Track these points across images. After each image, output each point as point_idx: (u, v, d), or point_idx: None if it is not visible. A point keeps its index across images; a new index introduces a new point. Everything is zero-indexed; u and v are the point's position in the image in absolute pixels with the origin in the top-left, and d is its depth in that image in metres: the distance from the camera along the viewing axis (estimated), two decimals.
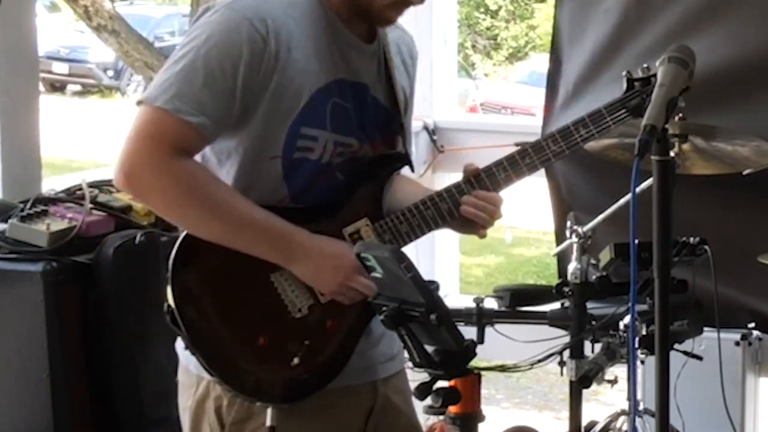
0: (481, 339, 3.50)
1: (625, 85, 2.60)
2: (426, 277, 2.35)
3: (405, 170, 2.73)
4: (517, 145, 2.96)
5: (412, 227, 2.56)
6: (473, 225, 2.64)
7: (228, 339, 2.51)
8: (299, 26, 2.49)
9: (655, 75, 2.45)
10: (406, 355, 2.55)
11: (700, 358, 3.57)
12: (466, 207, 2.58)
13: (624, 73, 2.60)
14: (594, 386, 3.34)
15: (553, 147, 2.61)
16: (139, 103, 2.46)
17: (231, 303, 2.52)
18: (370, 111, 2.59)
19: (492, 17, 21.23)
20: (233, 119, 2.45)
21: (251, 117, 2.46)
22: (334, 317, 2.54)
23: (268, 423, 2.53)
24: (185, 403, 2.67)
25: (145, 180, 2.45)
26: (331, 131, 2.52)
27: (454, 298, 4.96)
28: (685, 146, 3.26)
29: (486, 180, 2.60)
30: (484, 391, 3.54)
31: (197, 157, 2.51)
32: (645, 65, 2.59)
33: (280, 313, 2.51)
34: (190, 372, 2.64)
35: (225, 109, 2.43)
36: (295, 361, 2.50)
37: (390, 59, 2.62)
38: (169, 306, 2.50)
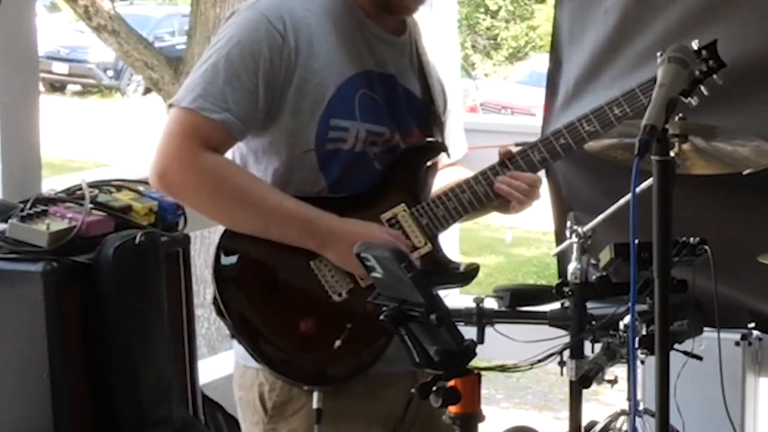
0: (481, 339, 3.50)
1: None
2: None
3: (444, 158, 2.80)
4: (517, 145, 2.96)
5: (449, 211, 2.63)
6: (508, 204, 2.71)
7: (271, 325, 2.59)
8: (320, 20, 2.56)
9: (692, 51, 2.59)
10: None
11: (700, 358, 3.56)
12: (499, 185, 2.64)
13: (658, 52, 2.51)
14: (594, 386, 3.33)
15: (587, 127, 2.66)
16: (170, 106, 2.55)
17: (273, 290, 2.60)
18: (400, 101, 2.64)
19: (492, 17, 21.25)
20: (260, 115, 2.53)
21: (280, 112, 2.54)
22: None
23: (315, 405, 2.59)
24: (236, 394, 2.77)
25: (176, 178, 2.55)
26: (361, 121, 2.58)
27: (454, 298, 4.96)
28: (685, 146, 3.26)
29: (521, 161, 2.67)
30: (484, 391, 3.52)
31: (236, 158, 2.62)
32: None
33: (320, 297, 2.58)
34: (238, 363, 2.74)
35: (249, 105, 2.51)
36: (338, 344, 2.57)
37: (423, 51, 2.66)
38: (214, 296, 2.58)
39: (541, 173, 4.51)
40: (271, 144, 2.59)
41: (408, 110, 2.65)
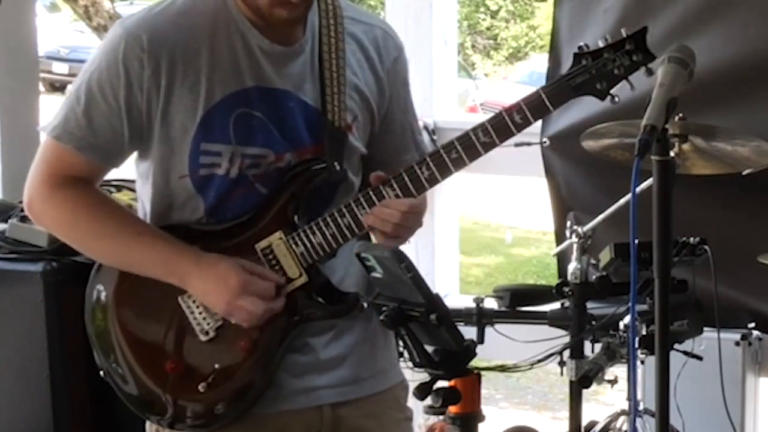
0: (481, 339, 3.50)
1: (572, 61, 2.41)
2: (426, 277, 2.35)
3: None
4: (517, 145, 2.95)
5: (326, 238, 2.42)
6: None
7: (138, 364, 2.48)
8: (192, 35, 2.39)
9: (609, 46, 2.37)
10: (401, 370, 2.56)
11: (700, 358, 3.56)
12: (367, 216, 2.40)
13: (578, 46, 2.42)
14: (594, 386, 3.34)
15: (483, 138, 2.39)
16: (43, 130, 2.47)
17: (140, 326, 2.49)
18: (292, 117, 2.44)
19: (492, 17, 21.25)
20: (126, 140, 2.41)
21: (151, 137, 2.41)
22: (245, 338, 2.43)
23: None
24: None
25: (36, 210, 2.48)
26: (236, 144, 2.40)
27: (454, 298, 4.96)
28: (685, 146, 3.26)
29: (407, 180, 2.39)
30: (484, 391, 3.53)
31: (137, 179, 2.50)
32: (606, 37, 2.39)
33: (187, 336, 2.44)
34: None
35: (110, 132, 2.39)
36: (202, 387, 2.44)
37: (325, 59, 2.45)
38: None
39: (541, 173, 4.56)
40: (150, 168, 2.45)
41: (305, 125, 2.44)
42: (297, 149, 2.45)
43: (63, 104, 2.44)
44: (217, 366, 2.44)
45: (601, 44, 2.39)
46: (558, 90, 2.40)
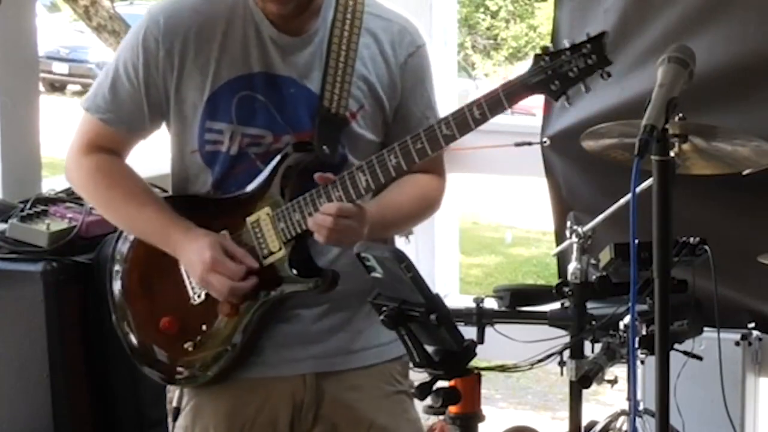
0: (481, 339, 3.50)
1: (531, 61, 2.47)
2: (426, 277, 2.35)
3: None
4: (517, 145, 2.95)
5: (304, 215, 2.55)
6: None
7: (138, 318, 2.70)
8: (209, 22, 2.60)
9: (569, 48, 2.40)
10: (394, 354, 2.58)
11: (700, 358, 3.56)
12: (309, 219, 2.55)
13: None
14: (594, 386, 3.33)
15: (418, 144, 2.49)
16: None
17: (146, 285, 2.70)
18: (294, 103, 2.60)
19: (492, 17, 21.25)
20: (147, 116, 2.64)
21: (168, 114, 2.64)
22: (227, 304, 2.60)
23: (174, 404, 2.72)
24: None
25: (69, 173, 2.73)
26: (237, 124, 2.60)
27: (454, 298, 4.96)
28: (685, 146, 3.26)
29: (348, 184, 2.52)
30: (483, 391, 3.54)
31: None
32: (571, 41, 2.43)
33: (183, 298, 2.65)
34: None
35: (133, 106, 2.63)
36: (189, 346, 2.64)
37: (333, 50, 2.60)
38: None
39: (541, 173, 4.56)
40: (171, 142, 2.68)
41: (306, 111, 2.61)
42: (296, 132, 2.61)
43: (96, 80, 2.70)
44: (203, 327, 2.64)
45: (565, 45, 2.43)
46: (514, 88, 2.46)
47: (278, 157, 2.59)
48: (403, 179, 2.64)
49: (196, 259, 2.56)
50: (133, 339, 2.72)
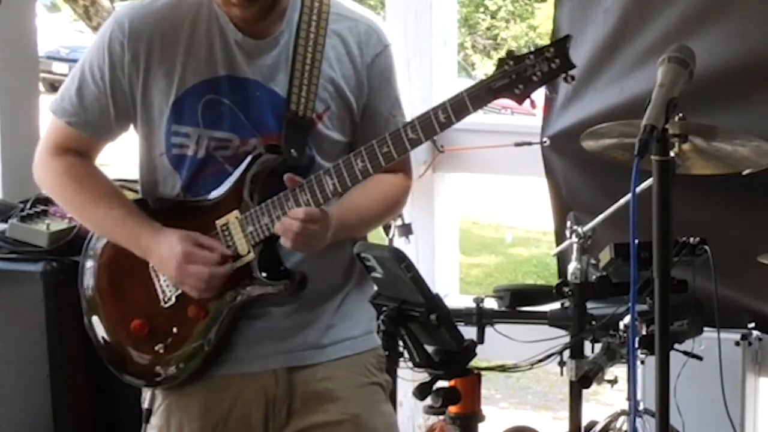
0: (481, 339, 3.50)
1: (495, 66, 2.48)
2: (426, 277, 2.35)
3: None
4: (517, 145, 2.94)
5: (272, 219, 2.57)
6: None
7: (110, 320, 2.72)
8: (173, 27, 2.61)
9: (533, 52, 2.41)
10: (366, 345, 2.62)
11: (700, 358, 3.56)
12: (276, 225, 2.56)
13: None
14: (594, 386, 3.33)
15: (385, 149, 2.50)
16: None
17: (117, 288, 2.72)
18: (260, 106, 2.62)
19: (492, 17, 21.24)
20: (113, 119, 2.65)
21: (135, 117, 2.65)
22: (197, 307, 2.64)
23: (146, 405, 2.74)
24: None
25: (37, 174, 2.73)
26: (203, 128, 2.61)
27: (454, 298, 4.96)
28: (685, 146, 3.26)
29: (315, 187, 2.54)
30: (484, 391, 3.53)
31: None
32: (532, 45, 2.47)
33: (152, 301, 2.67)
34: None
35: (99, 110, 2.65)
36: (160, 348, 2.67)
37: (299, 52, 2.61)
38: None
39: (541, 173, 4.55)
40: (139, 144, 2.69)
41: (272, 113, 2.62)
42: (262, 135, 2.62)
43: (63, 84, 2.72)
44: (174, 330, 2.66)
45: (530, 49, 2.45)
46: (478, 92, 2.47)
47: (247, 160, 2.60)
48: (366, 181, 2.62)
49: (168, 254, 2.57)
50: (106, 340, 2.74)
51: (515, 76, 2.43)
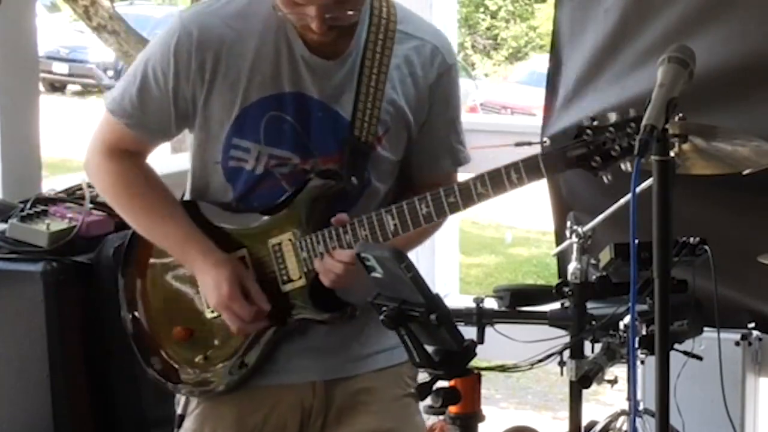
0: (481, 339, 3.50)
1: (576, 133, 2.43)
2: (426, 277, 2.35)
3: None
4: (517, 145, 2.93)
5: (327, 249, 2.53)
6: None
7: (153, 322, 2.70)
8: (242, 38, 2.54)
9: (612, 125, 2.38)
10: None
11: (700, 358, 3.56)
12: (318, 263, 2.53)
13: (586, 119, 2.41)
14: (594, 386, 3.33)
15: (480, 189, 2.48)
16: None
17: (163, 291, 2.70)
18: (321, 125, 2.56)
19: (492, 17, 21.25)
20: (172, 122, 2.60)
21: (194, 123, 2.60)
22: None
23: (179, 411, 2.71)
24: None
25: (89, 172, 2.72)
26: (264, 144, 2.56)
27: (454, 298, 4.96)
28: (685, 146, 3.26)
29: (350, 235, 2.51)
30: (484, 391, 3.54)
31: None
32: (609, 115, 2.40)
33: (198, 310, 2.64)
34: None
35: (158, 113, 2.59)
36: (199, 359, 2.65)
37: (365, 74, 2.56)
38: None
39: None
40: (194, 148, 2.65)
41: (333, 135, 2.57)
42: (322, 156, 2.57)
43: (122, 80, 2.65)
44: (216, 342, 2.64)
45: (612, 119, 2.40)
46: (554, 159, 2.44)
47: (305, 184, 2.56)
48: None
49: (212, 287, 2.55)
50: (143, 335, 2.72)
51: (593, 148, 2.40)
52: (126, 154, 2.64)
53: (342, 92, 2.57)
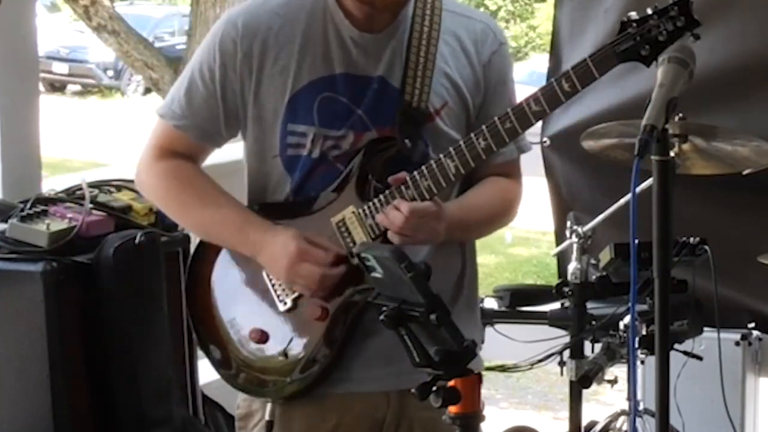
0: (480, 339, 3.50)
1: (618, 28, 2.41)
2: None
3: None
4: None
5: None
6: None
7: (223, 331, 2.63)
8: (288, 24, 2.55)
9: (656, 12, 2.37)
10: None
11: (700, 358, 3.57)
12: (380, 216, 2.50)
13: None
14: (594, 386, 3.34)
15: (482, 143, 2.45)
16: None
17: (231, 299, 2.64)
18: (378, 98, 2.55)
19: (492, 17, 21.25)
20: (222, 121, 2.58)
21: (246, 119, 2.58)
22: (318, 308, 2.54)
23: (267, 417, 2.61)
24: None
25: (140, 178, 2.68)
26: (319, 126, 2.54)
27: None
28: (685, 146, 3.26)
29: (412, 187, 2.49)
30: (484, 391, 3.53)
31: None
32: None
33: (269, 307, 2.59)
34: None
35: (208, 111, 2.58)
36: (280, 356, 2.58)
37: (414, 44, 2.55)
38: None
39: (541, 173, 4.55)
40: (248, 149, 2.63)
41: (388, 106, 2.55)
42: (378, 128, 2.56)
43: (172, 87, 2.66)
44: (293, 335, 2.57)
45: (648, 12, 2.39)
46: (603, 57, 2.40)
47: (360, 153, 2.54)
48: (483, 182, 2.62)
49: (281, 252, 2.50)
50: (217, 353, 2.65)
51: (639, 38, 2.37)
52: (177, 156, 2.62)
53: (392, 65, 2.56)
